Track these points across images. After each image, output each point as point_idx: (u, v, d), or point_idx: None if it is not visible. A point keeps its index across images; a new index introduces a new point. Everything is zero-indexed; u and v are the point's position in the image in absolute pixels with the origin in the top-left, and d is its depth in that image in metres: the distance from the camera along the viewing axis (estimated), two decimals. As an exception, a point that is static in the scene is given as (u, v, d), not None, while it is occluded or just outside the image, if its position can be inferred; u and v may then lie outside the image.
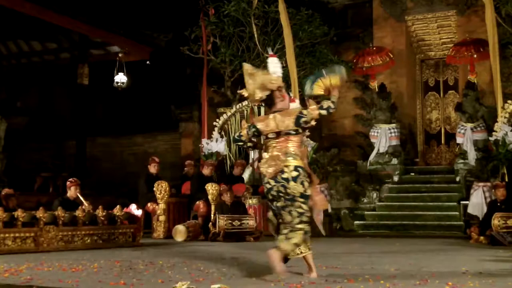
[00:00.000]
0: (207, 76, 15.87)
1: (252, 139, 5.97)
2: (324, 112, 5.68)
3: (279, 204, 5.63)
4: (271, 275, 5.36)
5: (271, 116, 5.75)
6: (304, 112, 5.70)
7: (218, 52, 15.46)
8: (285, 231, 5.53)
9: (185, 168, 14.03)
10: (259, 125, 5.79)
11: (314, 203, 5.77)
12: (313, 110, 5.68)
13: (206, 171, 12.80)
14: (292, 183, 5.53)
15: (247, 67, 5.97)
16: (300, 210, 5.56)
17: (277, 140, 5.71)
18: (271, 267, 5.33)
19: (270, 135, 5.73)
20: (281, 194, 5.60)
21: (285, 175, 5.57)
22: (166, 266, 6.46)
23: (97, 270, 6.07)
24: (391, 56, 16.03)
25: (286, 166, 5.59)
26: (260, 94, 5.81)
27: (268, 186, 5.64)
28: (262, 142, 6.02)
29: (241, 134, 5.98)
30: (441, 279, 5.29)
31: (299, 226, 5.53)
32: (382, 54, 16.02)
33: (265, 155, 5.74)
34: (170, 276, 5.53)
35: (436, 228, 13.31)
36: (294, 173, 5.56)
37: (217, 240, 10.85)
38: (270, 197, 5.68)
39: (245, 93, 6.01)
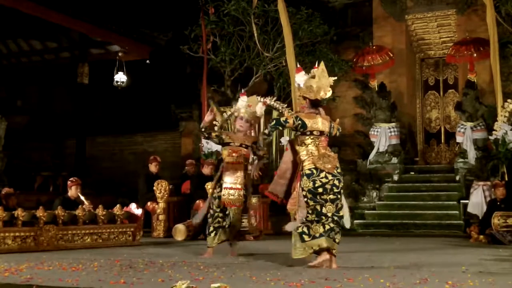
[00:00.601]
0: (207, 75, 15.86)
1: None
2: (338, 133, 6.54)
3: (326, 197, 6.15)
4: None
5: (318, 116, 6.31)
6: (332, 124, 6.43)
7: (218, 51, 15.46)
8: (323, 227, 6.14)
9: (186, 167, 14.03)
10: (307, 121, 6.22)
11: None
12: (336, 127, 6.48)
13: (206, 170, 12.79)
14: (342, 178, 6.26)
15: (323, 66, 6.42)
16: (341, 203, 6.30)
17: (320, 139, 6.27)
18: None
19: (315, 133, 6.24)
20: (334, 187, 6.19)
21: (339, 170, 6.28)
22: (166, 265, 6.47)
23: (97, 269, 6.08)
24: (391, 55, 16.03)
25: (338, 162, 6.29)
26: (330, 93, 6.37)
27: (325, 180, 6.13)
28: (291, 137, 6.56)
29: (287, 120, 6.29)
30: (441, 278, 5.29)
31: (338, 215, 6.29)
32: (382, 53, 16.02)
33: (313, 151, 6.20)
34: (170, 275, 5.54)
35: (435, 227, 13.32)
36: (340, 170, 6.32)
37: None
38: (321, 190, 6.13)
39: (311, 84, 6.34)
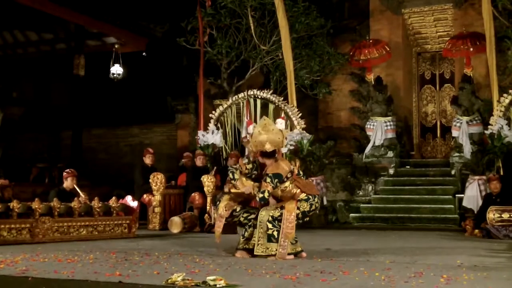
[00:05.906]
0: (204, 67, 15.84)
1: None
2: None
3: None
4: None
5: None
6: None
7: (215, 43, 15.44)
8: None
9: (183, 160, 14.02)
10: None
11: None
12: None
13: (198, 162, 12.87)
14: None
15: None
16: None
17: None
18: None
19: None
20: None
21: None
22: (162, 258, 6.48)
23: (92, 261, 6.08)
24: (388, 49, 16.02)
25: None
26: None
27: (314, 206, 6.99)
28: None
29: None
30: (436, 271, 5.31)
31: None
32: (379, 46, 16.00)
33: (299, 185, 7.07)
34: (165, 268, 5.54)
35: (431, 221, 13.35)
36: None
37: (212, 232, 10.82)
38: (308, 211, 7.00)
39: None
